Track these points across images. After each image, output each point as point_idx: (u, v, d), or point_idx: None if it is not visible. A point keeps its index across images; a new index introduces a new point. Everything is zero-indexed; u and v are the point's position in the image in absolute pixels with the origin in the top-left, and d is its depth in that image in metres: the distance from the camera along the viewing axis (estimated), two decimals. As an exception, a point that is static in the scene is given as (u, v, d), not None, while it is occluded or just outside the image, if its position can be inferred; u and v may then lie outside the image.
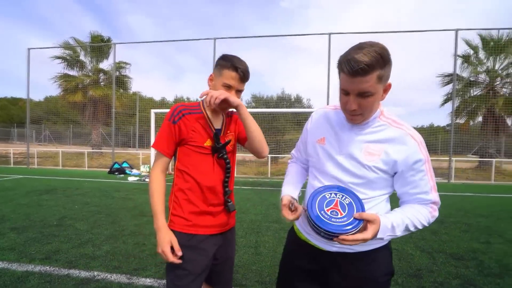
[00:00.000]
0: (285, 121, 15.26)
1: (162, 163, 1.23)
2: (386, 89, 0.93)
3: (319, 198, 0.92)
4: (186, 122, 1.20)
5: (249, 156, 15.14)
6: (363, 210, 0.88)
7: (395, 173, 0.98)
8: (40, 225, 3.84)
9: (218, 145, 1.21)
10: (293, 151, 1.31)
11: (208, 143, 1.22)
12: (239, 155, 13.94)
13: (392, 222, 0.89)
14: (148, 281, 2.37)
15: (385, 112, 1.01)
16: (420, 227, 0.95)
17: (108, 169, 11.27)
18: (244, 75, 1.21)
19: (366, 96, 0.88)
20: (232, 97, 1.15)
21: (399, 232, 0.91)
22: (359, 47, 0.85)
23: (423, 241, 3.54)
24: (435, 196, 0.98)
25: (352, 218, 0.86)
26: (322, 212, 0.88)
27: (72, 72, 16.09)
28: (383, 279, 1.03)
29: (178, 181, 1.24)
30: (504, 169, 13.54)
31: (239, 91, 1.23)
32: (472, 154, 14.82)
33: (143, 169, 11.43)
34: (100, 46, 15.66)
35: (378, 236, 0.87)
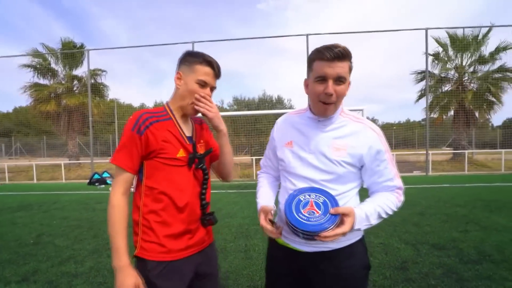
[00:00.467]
0: (267, 122, 15.37)
1: (125, 183, 1.05)
2: (348, 84, 1.01)
3: (294, 202, 0.95)
4: (155, 131, 1.04)
5: (235, 159, 15.06)
6: (337, 205, 0.92)
7: (361, 166, 1.05)
8: (15, 245, 3.60)
9: (197, 155, 1.10)
10: (262, 161, 1.30)
11: (181, 153, 1.07)
12: (224, 159, 13.82)
13: (365, 212, 0.95)
14: None
15: (345, 110, 1.09)
16: (390, 212, 1.01)
17: (88, 180, 10.79)
18: (218, 71, 1.13)
19: (341, 82, 0.96)
20: (221, 120, 1.12)
21: (373, 221, 0.97)
22: (333, 43, 0.95)
23: (407, 234, 3.67)
24: (399, 182, 1.06)
25: (328, 215, 0.89)
26: (300, 214, 0.91)
27: (43, 81, 15.33)
28: (361, 274, 1.08)
29: (147, 201, 1.06)
30: (476, 160, 14.38)
31: (212, 89, 1.14)
32: (446, 147, 15.63)
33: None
34: (72, 53, 15.01)
35: (356, 227, 0.92)
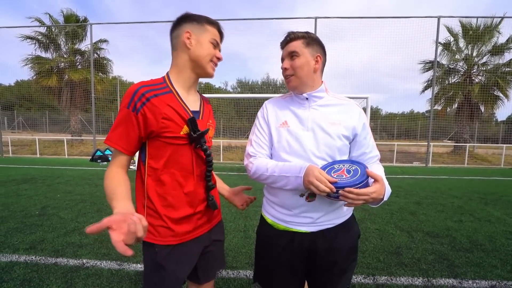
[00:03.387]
0: (271, 106, 15.23)
1: (120, 164, 0.96)
2: (318, 60, 1.10)
3: (328, 169, 1.00)
4: (154, 108, 0.93)
5: (235, 142, 15.12)
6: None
7: (353, 139, 1.12)
8: (21, 215, 3.71)
9: (194, 133, 0.98)
10: (251, 150, 1.16)
11: (184, 130, 0.98)
12: (224, 141, 13.89)
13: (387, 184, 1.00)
14: (139, 266, 2.39)
15: (329, 90, 1.18)
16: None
17: (90, 157, 10.91)
18: (223, 33, 1.10)
19: (295, 56, 1.08)
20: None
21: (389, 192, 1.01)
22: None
23: (402, 221, 3.76)
24: (378, 151, 1.18)
25: (357, 177, 0.93)
26: (330, 175, 0.96)
27: (45, 55, 15.10)
28: (356, 242, 1.18)
29: (150, 182, 0.99)
30: (476, 153, 14.40)
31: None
32: (448, 140, 15.60)
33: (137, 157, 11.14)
34: (75, 27, 14.68)
35: (386, 194, 0.97)
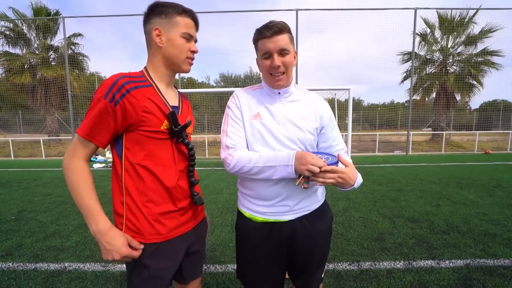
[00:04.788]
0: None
1: (88, 151, 0.91)
2: (295, 56, 1.11)
3: None
4: (134, 101, 0.89)
5: (220, 136, 14.97)
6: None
7: (320, 131, 1.15)
8: (-4, 221, 3.53)
9: (176, 127, 0.96)
10: (229, 141, 1.09)
11: (165, 125, 0.96)
12: (209, 136, 13.76)
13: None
14: (125, 267, 2.34)
15: (295, 84, 1.18)
16: None
17: (69, 157, 10.49)
18: (198, 21, 1.02)
19: (285, 54, 1.05)
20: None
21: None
22: (270, 21, 1.05)
23: (385, 208, 3.89)
24: (344, 144, 1.21)
25: (329, 160, 0.98)
26: None
27: (14, 50, 14.22)
28: (331, 224, 1.23)
29: (128, 178, 0.94)
30: (452, 141, 15.09)
31: (195, 42, 1.04)
32: (426, 128, 16.23)
33: (109, 155, 10.82)
34: (46, 20, 13.87)
35: (357, 182, 1.01)
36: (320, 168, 0.92)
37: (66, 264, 2.39)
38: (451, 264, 2.33)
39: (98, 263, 2.40)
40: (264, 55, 1.06)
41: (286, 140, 1.08)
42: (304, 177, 0.97)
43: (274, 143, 1.08)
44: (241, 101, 1.15)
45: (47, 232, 3.14)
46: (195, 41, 1.04)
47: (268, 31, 1.02)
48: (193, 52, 1.03)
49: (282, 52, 1.04)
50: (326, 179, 0.93)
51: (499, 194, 4.56)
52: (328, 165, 0.95)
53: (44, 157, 12.40)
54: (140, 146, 0.94)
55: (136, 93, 0.90)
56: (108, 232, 0.89)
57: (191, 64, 1.05)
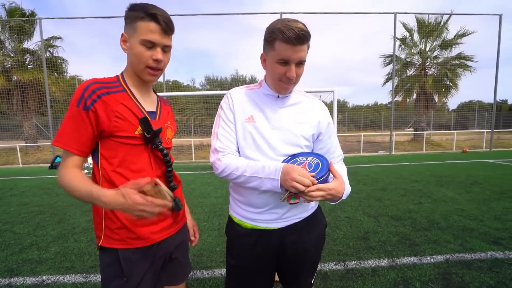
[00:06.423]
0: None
1: (75, 161, 0.90)
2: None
3: (291, 162, 0.99)
4: (105, 106, 0.88)
5: (207, 140, 14.87)
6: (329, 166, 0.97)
7: (317, 138, 1.11)
8: (-33, 234, 3.33)
9: (148, 133, 0.93)
10: (219, 145, 1.05)
11: (139, 130, 0.93)
12: (196, 140, 13.61)
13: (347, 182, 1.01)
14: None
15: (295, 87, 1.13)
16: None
17: (49, 164, 10.08)
18: (167, 25, 0.91)
19: (301, 65, 0.99)
20: None
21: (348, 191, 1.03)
22: (294, 20, 0.95)
23: (370, 207, 3.98)
24: (341, 151, 1.18)
25: (316, 172, 0.92)
26: None
27: (-13, 53, 13.52)
28: (324, 231, 1.19)
29: (106, 185, 0.93)
30: (432, 140, 15.69)
31: (166, 48, 0.94)
32: (408, 128, 16.79)
33: (91, 160, 10.46)
34: (21, 22, 13.30)
35: (345, 193, 0.97)
36: (306, 186, 0.86)
37: (44, 277, 2.28)
38: (432, 260, 2.40)
39: (79, 274, 2.31)
40: (280, 61, 0.96)
41: (279, 145, 1.04)
42: (290, 193, 0.93)
43: (266, 148, 1.03)
44: (235, 102, 1.08)
45: (23, 244, 2.99)
46: (166, 46, 0.94)
47: (294, 38, 0.90)
48: (156, 61, 0.92)
49: (300, 63, 0.97)
50: (313, 197, 0.88)
51: (476, 191, 4.76)
52: (317, 176, 0.90)
53: (21, 165, 11.83)
54: (114, 153, 0.93)
55: (108, 99, 0.89)
56: (115, 196, 0.80)
57: (152, 74, 0.95)
